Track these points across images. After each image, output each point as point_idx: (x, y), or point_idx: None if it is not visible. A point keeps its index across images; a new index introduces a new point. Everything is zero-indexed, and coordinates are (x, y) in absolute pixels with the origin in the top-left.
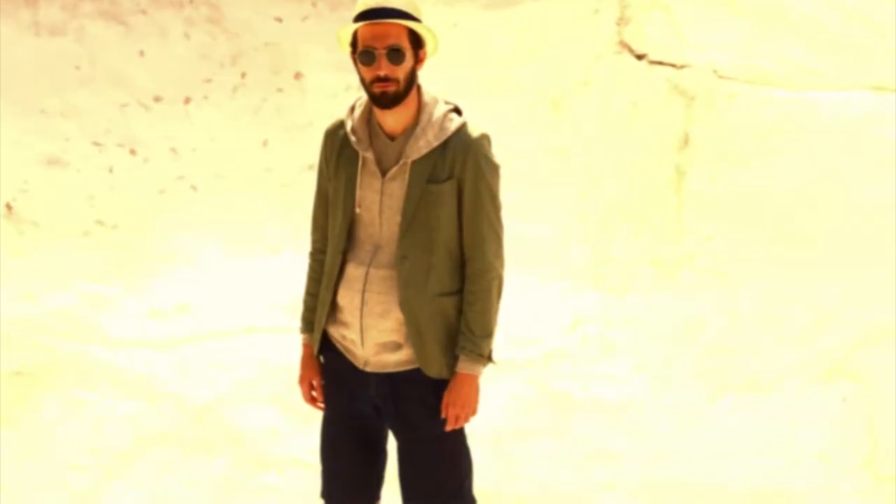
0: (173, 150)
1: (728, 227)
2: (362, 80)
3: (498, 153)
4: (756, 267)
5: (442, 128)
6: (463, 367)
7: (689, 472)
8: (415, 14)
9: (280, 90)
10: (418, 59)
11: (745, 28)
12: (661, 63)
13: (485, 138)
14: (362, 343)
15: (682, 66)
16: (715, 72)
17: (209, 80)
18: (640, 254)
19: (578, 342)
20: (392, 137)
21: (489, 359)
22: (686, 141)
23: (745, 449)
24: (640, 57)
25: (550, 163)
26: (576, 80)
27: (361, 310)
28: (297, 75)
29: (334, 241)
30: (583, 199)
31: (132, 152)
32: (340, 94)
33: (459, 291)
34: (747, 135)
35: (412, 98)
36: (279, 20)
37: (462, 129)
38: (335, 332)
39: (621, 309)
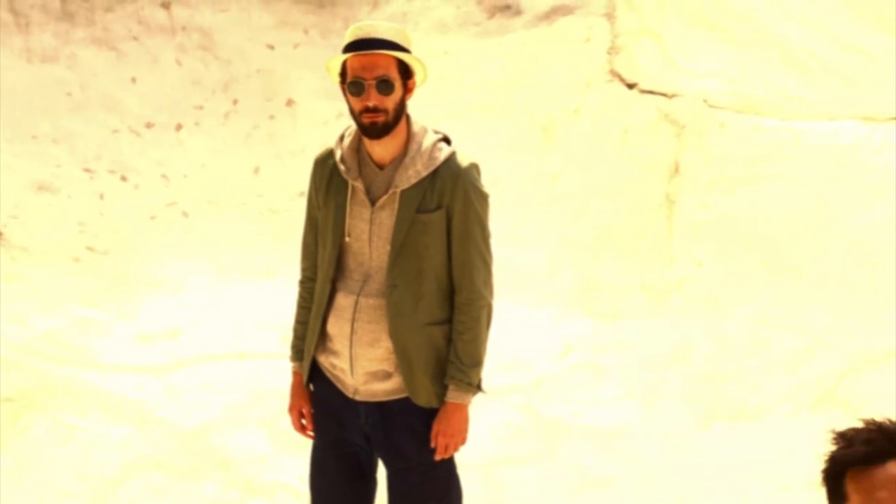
0: (164, 176)
1: (718, 254)
2: (351, 111)
3: (488, 179)
4: (746, 293)
5: (431, 157)
6: (452, 396)
7: (679, 498)
8: (404, 44)
9: (272, 117)
10: (407, 90)
11: (736, 57)
12: (651, 92)
13: (474, 168)
14: (352, 372)
15: (672, 96)
16: (705, 101)
17: (201, 107)
18: (630, 280)
19: (569, 368)
20: (381, 167)
21: (478, 388)
22: (676, 169)
23: (735, 475)
24: (630, 86)
25: (541, 189)
26: (567, 108)
27: (351, 338)
28: (289, 102)
29: (324, 270)
30: (573, 225)
31: (123, 178)
32: (332, 120)
33: (449, 320)
34: (737, 163)
35: (401, 128)
36: (271, 47)
37: (451, 159)
38: (325, 361)
39: (611, 334)
